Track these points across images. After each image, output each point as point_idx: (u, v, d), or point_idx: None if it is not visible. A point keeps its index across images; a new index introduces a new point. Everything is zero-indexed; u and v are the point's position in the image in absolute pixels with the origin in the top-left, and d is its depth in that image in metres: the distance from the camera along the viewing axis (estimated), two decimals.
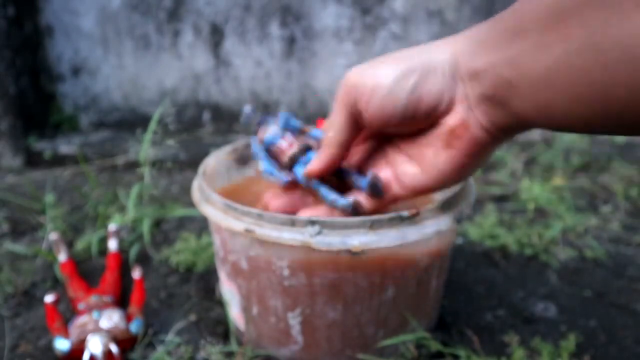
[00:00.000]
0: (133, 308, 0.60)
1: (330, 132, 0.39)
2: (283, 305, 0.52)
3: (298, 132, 0.44)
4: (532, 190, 0.96)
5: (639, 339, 0.60)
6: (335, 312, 0.51)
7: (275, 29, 1.26)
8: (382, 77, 0.34)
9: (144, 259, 0.77)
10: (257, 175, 0.67)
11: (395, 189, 0.39)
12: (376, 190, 0.39)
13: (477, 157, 0.35)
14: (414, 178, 0.38)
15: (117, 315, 0.58)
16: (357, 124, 0.38)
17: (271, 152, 0.43)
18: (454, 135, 0.34)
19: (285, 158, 0.43)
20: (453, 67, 0.33)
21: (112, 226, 0.75)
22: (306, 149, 0.43)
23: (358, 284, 0.49)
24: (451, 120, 0.34)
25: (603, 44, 0.24)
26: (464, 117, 0.33)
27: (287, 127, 0.44)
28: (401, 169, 0.39)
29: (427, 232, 0.46)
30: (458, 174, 0.36)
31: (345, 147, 0.40)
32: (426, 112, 0.34)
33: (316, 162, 0.41)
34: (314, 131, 0.42)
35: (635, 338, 0.60)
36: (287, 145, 0.43)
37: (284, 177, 0.43)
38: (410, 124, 0.36)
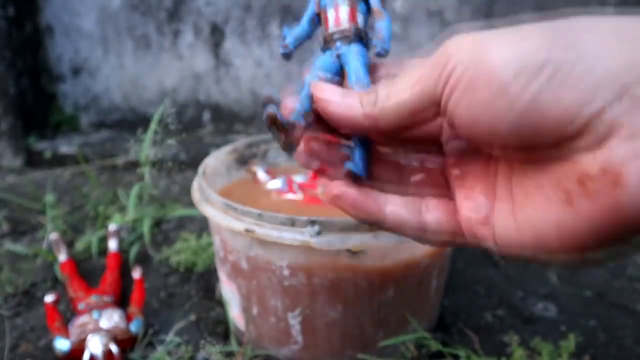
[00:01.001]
0: (133, 308, 0.60)
1: (383, 90, 0.23)
2: (283, 305, 0.52)
3: (366, 11, 0.30)
4: None
5: (639, 339, 0.60)
6: (335, 312, 0.51)
7: (275, 29, 1.26)
8: (499, 63, 0.19)
9: (144, 259, 0.77)
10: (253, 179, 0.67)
11: (480, 230, 0.23)
12: (354, 176, 0.26)
13: (608, 238, 0.19)
14: (501, 224, 0.22)
15: (117, 315, 0.58)
16: (426, 110, 0.22)
17: (318, 15, 0.30)
18: (584, 188, 0.19)
19: (324, 31, 0.29)
20: (631, 71, 0.18)
21: (112, 226, 0.75)
22: (355, 35, 0.28)
23: (358, 284, 0.49)
24: (591, 162, 0.19)
25: None
26: (618, 161, 0.18)
27: None
28: (495, 201, 0.23)
29: None
30: (564, 249, 0.20)
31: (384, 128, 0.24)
32: (551, 136, 0.19)
33: (327, 100, 0.25)
34: (383, 22, 0.28)
35: (635, 338, 0.60)
36: (334, 17, 0.29)
37: (284, 43, 0.31)
38: (520, 145, 0.21)
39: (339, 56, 0.28)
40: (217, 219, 0.49)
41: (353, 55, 0.27)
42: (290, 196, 0.61)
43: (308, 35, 0.30)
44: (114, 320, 0.57)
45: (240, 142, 0.68)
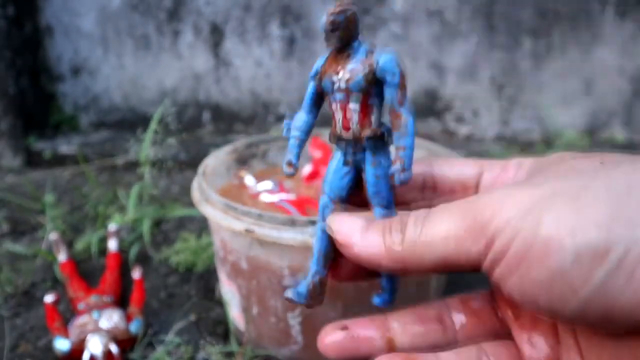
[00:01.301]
0: (133, 308, 0.60)
1: (411, 230, 0.21)
2: (283, 305, 0.51)
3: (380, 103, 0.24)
4: None
5: None
6: (335, 312, 0.51)
7: (275, 29, 1.26)
8: (554, 240, 0.17)
9: (144, 259, 0.77)
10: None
11: None
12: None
13: None
14: None
15: (117, 315, 0.58)
16: (462, 263, 0.20)
17: (320, 94, 0.25)
18: None
19: (332, 128, 0.24)
20: None
21: (112, 226, 0.75)
22: (369, 141, 0.23)
23: (358, 283, 0.49)
24: None
25: None
26: None
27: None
28: (561, 350, 0.20)
29: None
30: None
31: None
32: (628, 322, 0.17)
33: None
34: (404, 138, 0.22)
35: None
36: (342, 119, 0.24)
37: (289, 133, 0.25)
38: (587, 324, 0.18)
39: (352, 162, 0.24)
40: (217, 219, 0.49)
41: (370, 167, 0.23)
42: (282, 196, 0.61)
43: (313, 123, 0.26)
44: (113, 320, 0.57)
45: (240, 142, 0.68)
